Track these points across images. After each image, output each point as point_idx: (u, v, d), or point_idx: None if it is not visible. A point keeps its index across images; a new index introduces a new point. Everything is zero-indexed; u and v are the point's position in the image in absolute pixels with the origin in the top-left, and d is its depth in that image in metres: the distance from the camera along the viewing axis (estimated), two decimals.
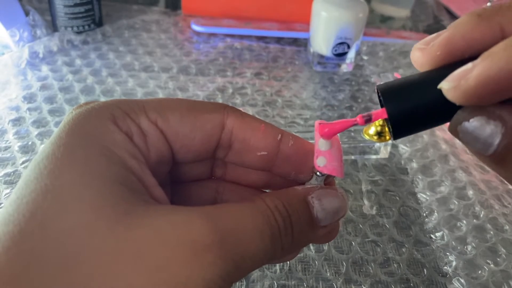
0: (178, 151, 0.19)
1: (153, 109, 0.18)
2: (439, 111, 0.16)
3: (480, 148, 0.15)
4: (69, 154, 0.15)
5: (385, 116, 0.16)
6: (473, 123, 0.15)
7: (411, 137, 0.45)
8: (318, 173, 0.19)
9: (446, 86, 0.15)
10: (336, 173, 0.19)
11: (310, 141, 0.21)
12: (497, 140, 0.14)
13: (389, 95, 0.16)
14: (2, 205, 0.34)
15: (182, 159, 0.19)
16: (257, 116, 0.47)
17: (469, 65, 0.14)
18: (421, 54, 0.17)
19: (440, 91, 0.15)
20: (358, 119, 0.18)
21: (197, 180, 0.22)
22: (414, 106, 0.16)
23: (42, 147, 0.16)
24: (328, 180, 0.20)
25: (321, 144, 0.19)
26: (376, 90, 0.18)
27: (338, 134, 0.19)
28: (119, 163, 0.16)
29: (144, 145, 0.17)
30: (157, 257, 0.13)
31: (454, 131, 0.16)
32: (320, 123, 0.20)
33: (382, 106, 0.17)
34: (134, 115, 0.17)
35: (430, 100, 0.16)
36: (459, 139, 0.16)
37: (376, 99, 0.52)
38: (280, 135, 0.20)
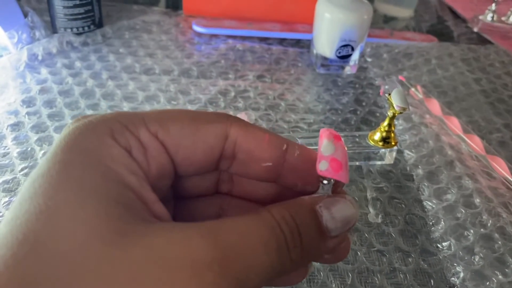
0: (180, 163, 0.18)
1: (153, 121, 0.17)
2: None
3: None
4: (64, 172, 0.14)
5: None
6: None
7: (416, 142, 0.44)
8: (324, 181, 0.19)
9: None
10: (339, 177, 0.18)
11: (315, 147, 0.20)
12: None
13: None
14: (0, 214, 0.34)
15: (184, 172, 0.19)
16: (260, 120, 0.46)
17: None
18: None
19: None
20: None
21: (202, 196, 0.21)
22: None
23: (39, 164, 0.15)
24: (337, 190, 0.19)
25: (324, 149, 0.18)
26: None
27: (343, 139, 0.19)
28: (116, 180, 0.15)
29: (144, 159, 0.17)
30: (153, 279, 0.13)
31: None
32: (325, 131, 0.19)
33: None
34: (133, 128, 0.17)
35: None
36: None
37: (381, 103, 0.51)
38: (285, 145, 0.19)
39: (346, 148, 0.19)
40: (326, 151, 0.18)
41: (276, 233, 0.15)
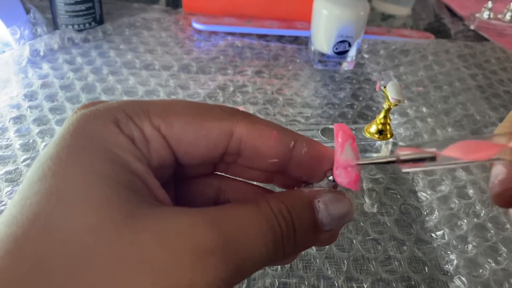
0: (181, 157, 0.18)
1: (157, 114, 0.17)
2: None
3: None
4: (73, 156, 0.15)
5: None
6: None
7: (411, 136, 0.45)
8: (330, 177, 0.19)
9: None
10: (355, 187, 0.18)
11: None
12: None
13: None
14: (3, 203, 0.34)
15: (186, 163, 0.19)
16: (258, 114, 0.47)
17: None
18: None
19: None
20: None
21: (200, 176, 0.21)
22: None
23: (45, 148, 0.16)
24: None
25: (342, 155, 0.18)
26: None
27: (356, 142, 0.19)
28: (124, 165, 0.16)
29: (146, 150, 0.17)
30: (161, 261, 0.13)
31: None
32: (339, 126, 0.19)
33: None
34: (138, 120, 0.17)
35: None
36: None
37: (377, 98, 0.52)
38: (293, 142, 0.19)
39: (357, 148, 0.19)
40: (345, 157, 0.18)
41: (274, 227, 0.16)
